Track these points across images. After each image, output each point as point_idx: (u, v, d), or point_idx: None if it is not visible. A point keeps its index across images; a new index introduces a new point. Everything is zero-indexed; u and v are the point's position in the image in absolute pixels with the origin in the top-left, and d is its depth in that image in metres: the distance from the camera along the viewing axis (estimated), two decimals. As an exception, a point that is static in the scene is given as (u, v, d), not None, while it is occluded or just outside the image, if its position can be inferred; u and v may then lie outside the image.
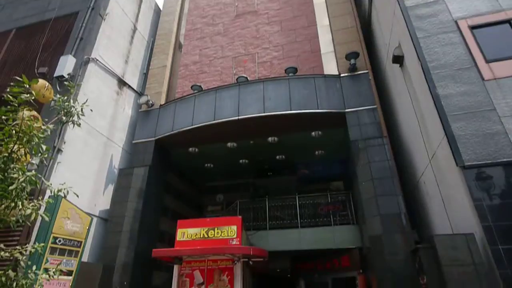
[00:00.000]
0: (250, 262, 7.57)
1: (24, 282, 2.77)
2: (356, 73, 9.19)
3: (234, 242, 7.44)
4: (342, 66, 9.45)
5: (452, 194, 5.56)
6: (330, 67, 10.21)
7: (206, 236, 7.72)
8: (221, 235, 7.65)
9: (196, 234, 7.79)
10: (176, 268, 7.67)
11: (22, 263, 2.98)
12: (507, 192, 4.75)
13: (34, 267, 3.23)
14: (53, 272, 3.23)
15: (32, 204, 3.09)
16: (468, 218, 4.97)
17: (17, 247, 3.56)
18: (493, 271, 4.40)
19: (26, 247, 3.45)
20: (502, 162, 4.88)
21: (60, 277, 6.63)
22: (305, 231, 10.68)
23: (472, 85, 5.55)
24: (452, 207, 5.63)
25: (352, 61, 9.01)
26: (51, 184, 3.67)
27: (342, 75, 9.33)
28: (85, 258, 8.33)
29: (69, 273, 6.86)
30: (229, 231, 7.65)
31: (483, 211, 4.68)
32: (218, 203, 13.73)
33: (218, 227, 7.78)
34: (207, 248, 7.15)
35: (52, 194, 3.30)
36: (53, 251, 6.67)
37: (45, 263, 6.43)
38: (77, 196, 3.61)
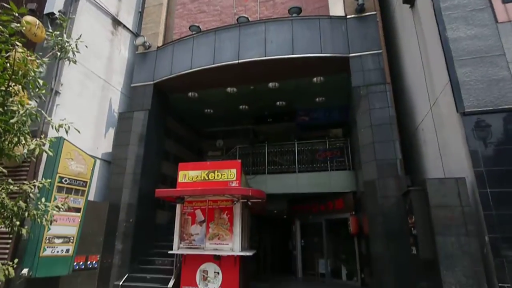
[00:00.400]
0: (249, 203, 7.94)
1: (35, 212, 2.94)
2: (363, 14, 8.69)
3: (233, 185, 7.73)
4: (349, 7, 8.91)
5: (449, 141, 5.64)
6: (337, 8, 9.62)
7: (206, 178, 7.99)
8: (221, 177, 7.92)
9: (197, 177, 8.06)
10: (178, 207, 8.07)
11: (31, 195, 3.14)
12: (503, 139, 4.81)
13: (43, 199, 3.39)
14: (61, 205, 3.40)
15: (35, 140, 3.14)
16: (461, 163, 5.10)
17: (25, 181, 3.72)
18: (479, 213, 4.65)
19: (34, 182, 3.60)
20: (503, 109, 4.86)
21: (70, 213, 7.06)
22: (302, 176, 11.04)
23: (484, 27, 5.29)
24: (447, 153, 5.75)
25: (360, 1, 8.46)
26: (51, 119, 3.69)
27: (348, 16, 8.83)
28: (92, 197, 8.74)
29: (77, 210, 7.25)
30: (228, 174, 7.90)
31: (477, 157, 4.79)
32: (218, 148, 13.98)
33: (218, 170, 8.01)
34: (208, 189, 7.45)
35: (54, 129, 3.34)
36: (60, 189, 6.97)
37: (54, 200, 6.77)
38: (79, 132, 3.68)
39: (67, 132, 3.37)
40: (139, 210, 8.98)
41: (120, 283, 8.13)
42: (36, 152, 2.99)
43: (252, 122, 13.73)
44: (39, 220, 2.92)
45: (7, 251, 6.69)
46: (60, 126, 3.32)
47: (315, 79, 9.55)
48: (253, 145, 12.41)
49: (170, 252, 7.60)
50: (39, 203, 3.17)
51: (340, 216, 10.79)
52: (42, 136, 3.61)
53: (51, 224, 3.33)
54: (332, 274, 10.97)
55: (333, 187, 10.66)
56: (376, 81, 7.95)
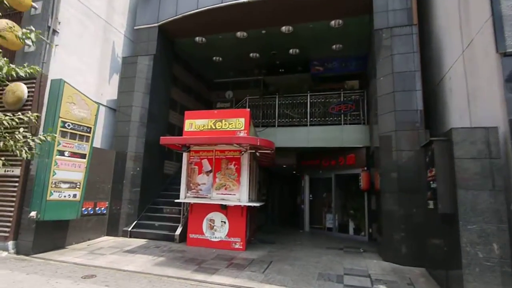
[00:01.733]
0: (257, 154, 7.66)
1: (12, 143, 2.69)
2: None
3: (241, 134, 7.40)
4: None
5: (481, 87, 5.03)
6: None
7: (213, 127, 7.66)
8: (228, 127, 7.57)
9: (203, 126, 7.74)
10: (185, 156, 7.87)
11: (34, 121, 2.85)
12: (547, 85, 4.19)
13: (21, 129, 3.11)
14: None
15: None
16: (493, 112, 4.55)
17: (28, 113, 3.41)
18: (509, 167, 4.20)
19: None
20: (551, 50, 4.17)
21: (75, 159, 6.94)
22: (313, 129, 10.62)
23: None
24: (477, 102, 5.17)
25: None
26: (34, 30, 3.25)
27: None
28: (99, 145, 8.61)
29: (82, 156, 7.11)
30: (236, 123, 7.54)
31: (513, 105, 4.23)
32: (227, 100, 13.51)
33: (226, 119, 7.65)
34: (214, 137, 7.15)
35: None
36: (64, 134, 6.77)
37: (58, 145, 6.62)
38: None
39: (33, 42, 2.94)
40: (147, 159, 8.86)
41: (129, 229, 8.27)
42: (4, 70, 2.62)
43: (263, 72, 13.06)
44: (18, 152, 2.66)
45: (15, 193, 6.72)
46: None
47: (333, 22, 8.71)
48: (263, 96, 11.88)
49: (176, 201, 7.55)
50: (17, 133, 2.90)
51: (351, 171, 10.51)
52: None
53: (31, 158, 3.06)
54: (339, 228, 10.98)
55: (346, 141, 10.25)
56: (401, 22, 7.12)
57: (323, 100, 10.87)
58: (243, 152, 7.45)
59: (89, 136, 7.30)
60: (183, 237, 7.79)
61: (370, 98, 9.98)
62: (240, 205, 7.24)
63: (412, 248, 6.27)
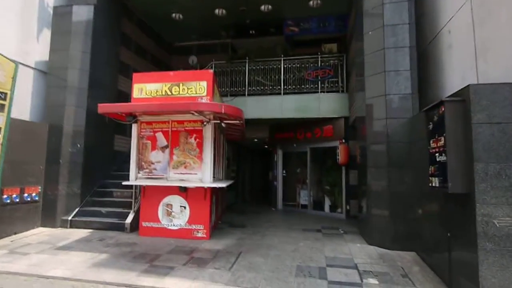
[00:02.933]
0: (223, 124, 6.42)
1: None
2: None
3: (203, 101, 6.08)
4: None
5: (495, 38, 4.06)
6: None
7: (169, 93, 6.27)
8: (187, 92, 6.22)
9: (156, 91, 6.31)
10: (134, 128, 6.46)
11: None
12: None
13: None
14: None
15: None
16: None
17: None
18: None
19: None
20: None
21: (-14, 133, 5.35)
22: (288, 99, 9.51)
23: None
24: (488, 56, 4.21)
25: None
26: None
27: None
28: (27, 117, 6.98)
29: (-3, 129, 5.51)
30: (197, 88, 6.20)
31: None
32: (191, 66, 11.91)
33: (184, 82, 6.27)
34: (167, 104, 5.77)
35: None
36: (-34, 101, 5.12)
37: (-42, 116, 4.99)
38: None
39: None
40: (91, 134, 7.34)
41: (70, 218, 6.86)
42: None
43: (231, 34, 11.53)
44: None
45: None
46: None
47: (311, -32, 7.34)
48: (231, 61, 10.46)
49: (124, 183, 6.18)
50: None
51: (327, 144, 9.60)
52: None
53: None
54: (314, 205, 10.20)
55: (323, 111, 9.25)
56: (394, -36, 5.93)
57: (298, 65, 9.67)
58: (205, 123, 6.17)
59: (4, 105, 5.65)
60: (135, 226, 6.54)
61: (349, 62, 8.93)
62: (203, 187, 6.04)
63: (400, 230, 5.48)
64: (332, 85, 9.44)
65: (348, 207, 9.02)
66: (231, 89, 10.06)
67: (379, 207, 5.75)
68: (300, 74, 9.63)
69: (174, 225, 6.17)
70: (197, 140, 6.23)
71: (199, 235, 6.09)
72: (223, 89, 10.03)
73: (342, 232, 7.06)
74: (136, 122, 6.29)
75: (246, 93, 9.90)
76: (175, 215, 6.19)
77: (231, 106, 6.07)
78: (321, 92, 9.45)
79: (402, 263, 4.87)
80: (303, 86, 9.55)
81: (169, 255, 5.10)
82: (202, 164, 6.11)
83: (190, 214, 6.13)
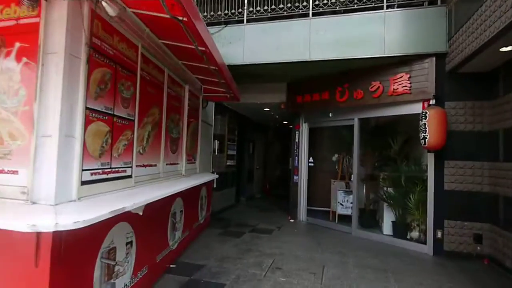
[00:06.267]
0: (111, 11, 2.05)
1: None
2: None
3: None
4: None
5: None
6: None
7: None
8: None
9: None
10: None
11: None
12: None
13: None
14: None
15: None
16: None
17: None
18: None
19: None
20: None
21: None
22: (322, 23, 5.09)
23: None
24: None
25: None
26: None
27: None
28: None
29: None
30: None
31: None
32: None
33: None
34: None
35: None
36: None
37: None
38: None
39: None
40: None
41: None
42: None
43: None
44: None
45: None
46: None
47: None
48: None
49: None
50: None
51: (397, 110, 5.08)
52: None
53: None
54: (363, 221, 5.76)
55: (392, 45, 4.76)
56: None
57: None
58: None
59: None
60: None
61: None
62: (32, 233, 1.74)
63: None
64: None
65: (440, 234, 4.51)
66: (218, 12, 5.66)
67: None
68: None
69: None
70: (24, 61, 1.90)
71: None
72: (205, 15, 5.68)
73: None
74: None
75: (245, 17, 5.47)
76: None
77: None
78: (388, 7, 4.85)
79: None
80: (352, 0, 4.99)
81: None
82: (32, 139, 1.80)
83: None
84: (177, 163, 4.12)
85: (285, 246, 4.66)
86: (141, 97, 2.80)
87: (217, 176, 5.58)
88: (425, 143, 4.46)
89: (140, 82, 2.78)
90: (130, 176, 2.66)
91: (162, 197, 2.64)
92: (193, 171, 4.84)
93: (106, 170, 2.26)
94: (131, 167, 2.68)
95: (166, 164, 3.67)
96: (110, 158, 2.32)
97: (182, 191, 3.55)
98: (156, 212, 3.10)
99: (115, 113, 2.36)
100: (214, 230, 5.50)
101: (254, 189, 9.79)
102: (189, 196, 4.30)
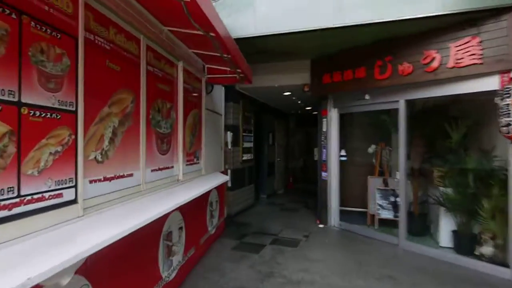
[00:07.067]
0: None
1: None
2: None
3: None
4: None
5: None
6: None
7: None
8: None
9: None
10: None
11: None
12: None
13: None
14: None
15: None
16: None
17: None
18: None
19: None
20: None
21: None
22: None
23: None
24: None
25: None
26: None
27: None
28: None
29: None
30: None
31: None
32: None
33: None
34: None
35: None
36: None
37: None
38: None
39: None
40: None
41: None
42: None
43: None
44: None
45: None
46: None
47: None
48: None
49: None
50: None
51: (460, 88, 3.79)
52: None
53: None
54: (412, 228, 4.58)
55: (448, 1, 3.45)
56: None
57: None
58: None
59: None
60: None
61: None
62: None
63: None
64: None
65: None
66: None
67: None
68: None
69: None
70: None
71: None
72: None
73: None
74: None
75: (256, -24, 4.32)
76: None
77: None
78: None
79: None
80: None
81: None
82: None
83: None
84: (171, 167, 3.14)
85: (316, 268, 3.61)
86: (90, 74, 1.80)
87: (227, 178, 4.58)
88: (508, 132, 3.21)
89: (86, 49, 1.77)
90: (73, 202, 1.68)
91: (119, 237, 1.64)
92: (197, 173, 3.86)
93: (4, 203, 1.29)
94: (74, 186, 1.70)
95: (152, 171, 2.69)
96: (16, 179, 1.34)
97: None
98: (140, 235, 2.13)
99: (23, 100, 1.37)
100: (228, 241, 4.55)
101: (275, 184, 8.75)
102: (191, 206, 3.33)
